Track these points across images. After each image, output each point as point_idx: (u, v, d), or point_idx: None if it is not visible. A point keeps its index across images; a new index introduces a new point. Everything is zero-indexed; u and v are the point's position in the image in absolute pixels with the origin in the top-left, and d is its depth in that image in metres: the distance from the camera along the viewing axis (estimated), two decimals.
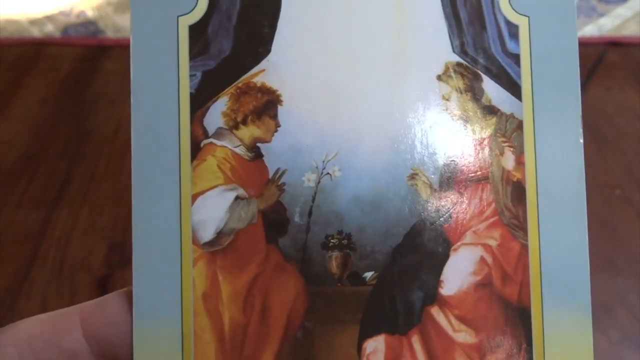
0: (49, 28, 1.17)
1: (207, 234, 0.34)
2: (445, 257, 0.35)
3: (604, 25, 1.12)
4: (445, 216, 0.35)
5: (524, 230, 0.35)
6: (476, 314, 0.34)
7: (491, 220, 0.35)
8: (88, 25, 1.18)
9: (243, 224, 0.35)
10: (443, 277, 0.34)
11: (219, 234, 0.34)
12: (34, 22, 1.18)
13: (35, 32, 1.17)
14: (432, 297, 0.34)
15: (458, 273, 0.35)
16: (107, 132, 1.04)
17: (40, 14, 1.19)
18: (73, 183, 0.96)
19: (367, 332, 0.34)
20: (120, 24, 1.17)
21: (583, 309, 0.34)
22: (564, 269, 0.34)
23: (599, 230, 0.86)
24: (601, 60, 1.05)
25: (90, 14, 1.19)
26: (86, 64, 1.17)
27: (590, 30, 1.10)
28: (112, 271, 0.84)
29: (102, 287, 0.82)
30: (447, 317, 0.34)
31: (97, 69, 1.16)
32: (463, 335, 0.34)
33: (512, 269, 0.35)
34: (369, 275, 0.35)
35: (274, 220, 0.35)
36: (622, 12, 1.14)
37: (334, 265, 0.34)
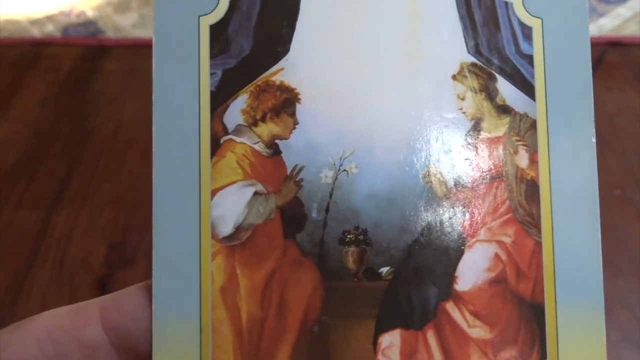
0: (49, 28, 1.18)
1: (226, 229, 0.35)
2: (460, 254, 0.35)
3: (604, 25, 1.13)
4: (459, 213, 0.35)
5: (538, 228, 0.35)
6: (491, 310, 0.35)
7: (505, 217, 0.35)
8: (88, 25, 1.18)
9: (261, 219, 0.35)
10: (458, 273, 0.35)
11: (238, 229, 0.35)
12: (34, 22, 1.18)
13: (35, 32, 1.17)
14: (447, 292, 0.35)
15: (473, 269, 0.35)
16: (107, 132, 1.04)
17: (40, 14, 1.19)
18: (73, 183, 0.96)
19: (382, 327, 0.35)
20: (120, 24, 1.17)
21: (596, 306, 0.35)
22: (577, 266, 0.35)
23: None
24: (601, 60, 1.06)
25: (90, 14, 1.19)
26: (86, 64, 1.17)
27: (590, 30, 1.10)
28: (112, 271, 0.84)
29: (102, 287, 0.82)
30: (462, 313, 0.35)
31: (97, 69, 1.16)
32: (478, 331, 0.35)
33: (526, 265, 0.35)
34: (384, 270, 0.35)
35: (292, 216, 0.35)
36: (622, 12, 1.15)
37: (350, 261, 0.35)
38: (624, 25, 1.14)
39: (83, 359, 0.35)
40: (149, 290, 0.35)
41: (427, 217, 0.35)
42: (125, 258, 0.86)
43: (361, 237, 0.35)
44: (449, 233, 0.35)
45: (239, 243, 0.35)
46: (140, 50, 1.17)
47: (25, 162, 0.99)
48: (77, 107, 1.09)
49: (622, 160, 0.94)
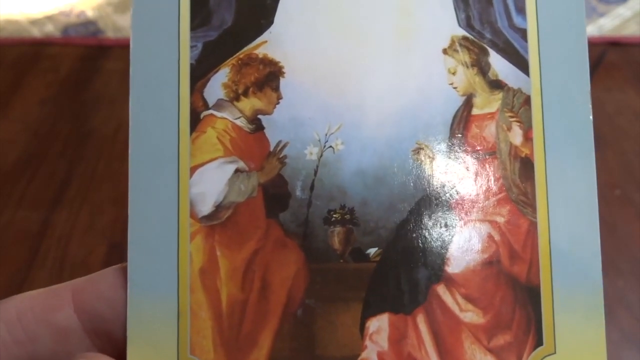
0: (49, 28, 1.17)
1: (206, 208, 0.33)
2: (451, 234, 0.34)
3: (604, 25, 1.11)
4: (451, 192, 0.34)
5: (533, 207, 0.34)
6: (484, 293, 0.33)
7: (499, 196, 0.34)
8: (88, 25, 1.17)
9: (243, 197, 0.34)
10: (449, 254, 0.33)
11: (218, 208, 0.33)
12: (34, 22, 1.17)
13: (35, 32, 1.16)
14: (438, 275, 0.33)
15: (465, 250, 0.33)
16: (107, 132, 1.04)
17: (40, 14, 1.18)
18: (73, 183, 0.95)
19: (370, 311, 0.33)
20: (120, 24, 1.16)
21: (594, 289, 0.33)
22: (574, 247, 0.33)
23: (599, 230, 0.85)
24: (601, 60, 1.04)
25: (90, 14, 1.18)
26: (86, 64, 1.16)
27: (590, 30, 1.10)
28: None
29: None
30: (453, 296, 0.33)
31: (97, 69, 1.15)
32: (470, 315, 0.33)
33: (520, 246, 0.33)
34: (372, 251, 0.33)
35: (275, 194, 0.34)
36: (622, 12, 1.13)
37: (336, 241, 0.33)
38: (624, 25, 1.13)
39: (54, 343, 0.33)
40: (124, 272, 0.33)
41: (416, 195, 0.34)
42: (125, 258, 0.85)
43: (347, 216, 0.34)
44: (439, 212, 0.34)
45: (219, 222, 0.33)
46: None
47: (25, 162, 0.98)
48: (77, 107, 1.08)
49: (622, 160, 0.93)
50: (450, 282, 0.33)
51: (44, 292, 0.34)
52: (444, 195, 0.34)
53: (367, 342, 0.33)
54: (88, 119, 1.05)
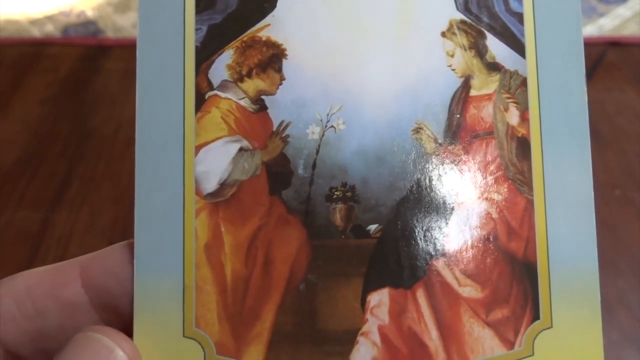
0: (49, 28, 1.17)
1: (210, 185, 0.34)
2: (450, 212, 0.34)
3: (604, 25, 1.12)
4: (449, 170, 0.35)
5: (529, 186, 0.34)
6: (482, 268, 0.34)
7: (496, 175, 0.35)
8: (88, 25, 1.17)
9: (246, 175, 0.34)
10: (448, 231, 0.34)
11: (222, 185, 0.34)
12: (34, 22, 1.18)
13: (35, 32, 1.17)
14: (437, 251, 0.34)
15: (463, 227, 0.34)
16: (107, 132, 1.04)
17: (40, 14, 1.19)
18: (73, 183, 0.95)
19: (371, 286, 0.34)
20: (120, 24, 1.17)
21: (590, 267, 0.34)
22: (569, 225, 0.34)
23: (599, 230, 0.86)
24: (601, 60, 1.05)
25: (90, 14, 1.19)
26: (86, 64, 1.16)
27: (590, 30, 1.11)
28: None
29: None
30: (452, 272, 0.34)
31: (97, 69, 1.15)
32: (469, 290, 0.34)
33: (517, 223, 0.34)
34: (373, 228, 0.34)
35: (278, 173, 0.34)
36: (622, 12, 1.14)
37: (337, 218, 0.34)
38: (624, 25, 1.13)
39: (62, 318, 0.34)
40: (131, 248, 0.34)
41: (416, 174, 0.34)
42: None
43: (349, 193, 0.34)
44: (438, 190, 0.34)
45: (223, 200, 0.34)
46: None
47: (25, 162, 0.98)
48: (77, 107, 1.09)
49: (622, 160, 0.93)
50: (449, 257, 0.34)
51: (51, 268, 0.35)
52: (443, 173, 0.34)
53: (368, 316, 0.34)
54: (88, 119, 1.05)
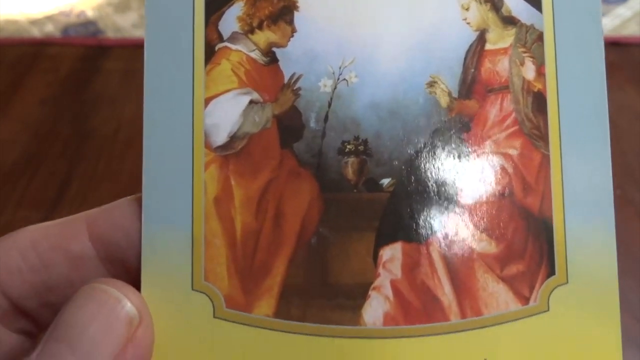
0: (49, 28, 1.17)
1: (220, 138, 0.33)
2: (464, 166, 0.34)
3: (604, 25, 1.12)
4: (464, 125, 0.34)
5: (545, 141, 0.34)
6: (497, 223, 0.33)
7: (511, 129, 0.34)
8: (88, 25, 1.17)
9: (257, 128, 0.34)
10: (462, 185, 0.34)
11: (232, 138, 0.33)
12: (34, 22, 1.17)
13: (35, 32, 1.16)
14: (451, 206, 0.33)
15: (478, 182, 0.34)
16: (107, 132, 1.03)
17: (40, 14, 1.19)
18: (73, 183, 0.94)
19: (383, 240, 0.33)
20: (120, 24, 1.17)
21: (606, 221, 0.33)
22: (586, 180, 0.33)
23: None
24: None
25: (90, 14, 1.18)
26: (86, 64, 1.16)
27: None
28: None
29: None
30: (466, 226, 0.33)
31: (97, 69, 1.15)
32: (483, 245, 0.33)
33: (533, 179, 0.34)
34: (386, 182, 0.34)
35: (289, 126, 0.34)
36: (622, 12, 1.14)
37: (349, 171, 0.34)
38: (624, 25, 1.13)
39: (69, 270, 0.33)
40: (139, 202, 0.33)
41: (430, 128, 0.34)
42: None
43: (361, 147, 0.34)
44: (452, 145, 0.34)
45: (233, 153, 0.33)
46: (141, 50, 1.16)
47: (25, 162, 0.98)
48: (77, 107, 1.08)
49: (622, 160, 0.93)
50: (463, 212, 0.33)
51: (57, 223, 0.34)
52: (457, 127, 0.34)
53: (381, 270, 0.33)
54: (88, 119, 1.05)
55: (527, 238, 0.33)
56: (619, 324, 0.33)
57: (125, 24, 1.16)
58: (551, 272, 0.33)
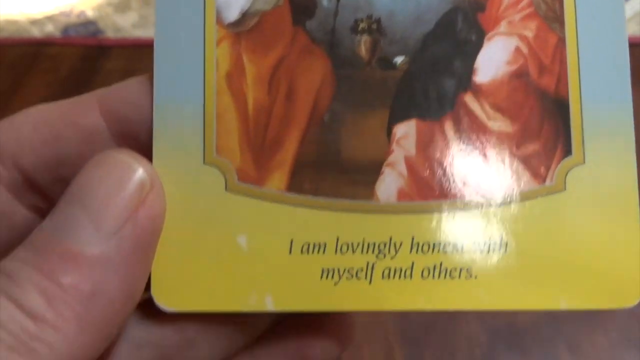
0: (49, 28, 1.17)
1: (232, 14, 0.33)
2: (478, 46, 0.33)
3: None
4: (479, 5, 0.34)
5: (561, 23, 0.33)
6: (512, 103, 0.33)
7: (527, 11, 0.34)
8: (88, 25, 1.17)
9: (269, 6, 0.33)
10: (477, 65, 0.33)
11: (244, 15, 0.33)
12: (34, 22, 1.17)
13: (35, 32, 1.17)
14: (466, 84, 0.33)
15: (492, 62, 0.33)
16: None
17: (40, 14, 1.19)
18: None
19: (397, 117, 0.33)
20: (120, 24, 1.17)
21: (624, 102, 0.33)
22: (602, 62, 0.33)
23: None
24: None
25: (90, 14, 1.18)
26: (86, 64, 1.16)
27: None
28: None
29: None
30: (481, 105, 0.33)
31: (97, 69, 1.15)
32: (498, 124, 0.33)
33: (549, 59, 0.33)
34: (399, 60, 0.33)
35: (301, 3, 0.33)
36: None
37: (362, 49, 0.33)
38: None
39: (80, 144, 0.33)
40: (150, 80, 0.33)
41: (444, 7, 0.33)
42: None
43: (374, 25, 0.33)
44: (467, 25, 0.33)
45: (245, 29, 0.33)
46: (141, 50, 1.17)
47: None
48: None
49: None
50: (478, 91, 0.33)
51: (68, 101, 0.34)
52: (472, 7, 0.33)
53: (394, 147, 0.33)
54: None
55: (542, 118, 0.33)
56: (638, 204, 0.32)
57: (125, 24, 1.17)
58: (568, 152, 0.33)
